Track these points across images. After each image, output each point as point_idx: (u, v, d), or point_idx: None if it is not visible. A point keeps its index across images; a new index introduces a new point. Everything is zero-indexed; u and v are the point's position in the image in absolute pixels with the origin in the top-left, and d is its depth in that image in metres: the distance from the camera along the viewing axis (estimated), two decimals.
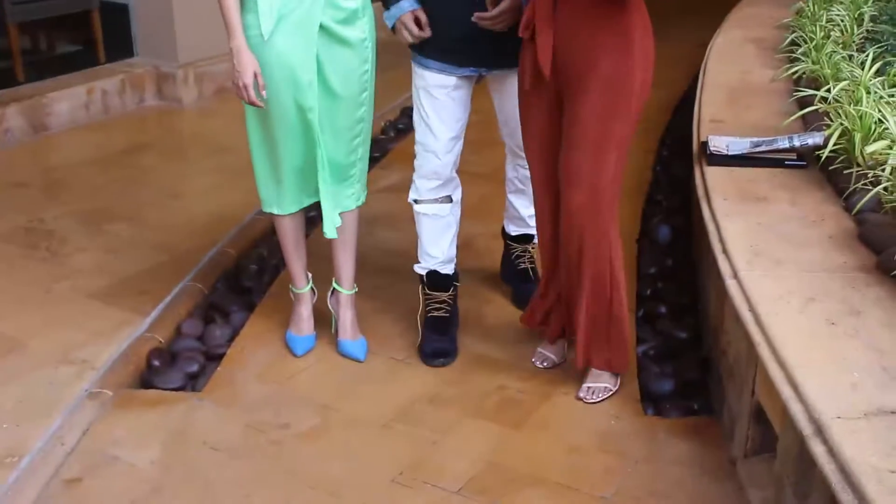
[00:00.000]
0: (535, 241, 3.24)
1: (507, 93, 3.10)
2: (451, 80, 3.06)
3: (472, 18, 2.84)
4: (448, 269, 3.31)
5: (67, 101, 5.62)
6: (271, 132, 2.98)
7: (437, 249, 3.25)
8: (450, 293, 3.33)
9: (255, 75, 2.81)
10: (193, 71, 5.96)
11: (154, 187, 4.70)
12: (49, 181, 4.86)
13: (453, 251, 3.32)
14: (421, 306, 3.33)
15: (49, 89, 5.61)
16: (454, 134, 3.13)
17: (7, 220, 4.28)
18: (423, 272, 3.31)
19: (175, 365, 3.16)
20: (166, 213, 4.38)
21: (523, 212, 3.44)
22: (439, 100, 3.08)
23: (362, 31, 2.94)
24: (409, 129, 5.21)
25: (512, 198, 3.48)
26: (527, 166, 3.03)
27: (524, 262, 3.57)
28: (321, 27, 2.84)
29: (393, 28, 3.01)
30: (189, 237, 4.09)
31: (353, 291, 3.27)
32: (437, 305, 3.30)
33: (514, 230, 3.56)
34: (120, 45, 6.16)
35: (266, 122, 2.97)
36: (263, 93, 2.84)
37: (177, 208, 4.44)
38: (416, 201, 3.23)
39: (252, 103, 2.85)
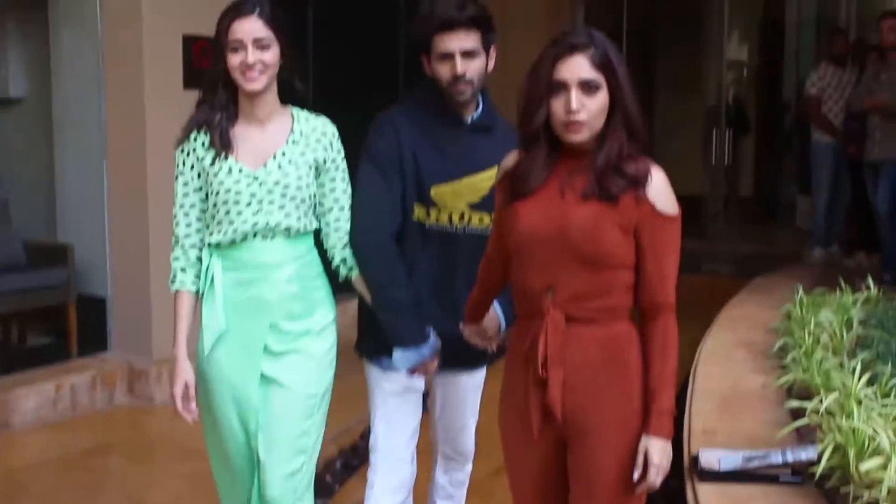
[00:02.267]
0: None
1: (452, 396, 3.22)
2: (410, 380, 3.06)
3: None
4: None
5: (34, 397, 5.63)
6: (221, 444, 2.97)
7: None
8: None
9: (186, 386, 2.83)
10: (168, 368, 6.00)
11: (116, 494, 4.65)
12: (8, 484, 4.79)
13: None
14: None
15: (16, 384, 5.65)
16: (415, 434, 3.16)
17: None
18: None
19: None
20: None
21: None
22: (400, 403, 3.10)
23: (320, 346, 2.94)
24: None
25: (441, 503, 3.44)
26: (462, 469, 3.20)
27: None
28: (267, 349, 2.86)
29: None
30: None
31: None
32: None
33: None
34: (94, 337, 6.26)
35: (215, 434, 2.97)
36: (193, 408, 2.86)
37: None
38: None
39: (180, 414, 2.85)
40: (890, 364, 3.88)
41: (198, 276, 2.89)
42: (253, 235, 2.82)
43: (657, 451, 2.41)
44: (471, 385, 3.32)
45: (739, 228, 12.00)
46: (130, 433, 5.67)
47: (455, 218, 3.01)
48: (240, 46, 2.76)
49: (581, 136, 2.40)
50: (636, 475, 2.42)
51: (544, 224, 2.43)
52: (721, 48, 13.37)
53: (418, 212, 2.98)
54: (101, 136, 6.16)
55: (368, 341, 3.15)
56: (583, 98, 2.36)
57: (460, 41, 2.87)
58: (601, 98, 2.38)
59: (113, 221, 6.21)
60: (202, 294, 2.87)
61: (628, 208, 2.39)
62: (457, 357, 3.06)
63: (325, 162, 2.93)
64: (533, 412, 2.49)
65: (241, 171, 2.81)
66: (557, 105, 2.38)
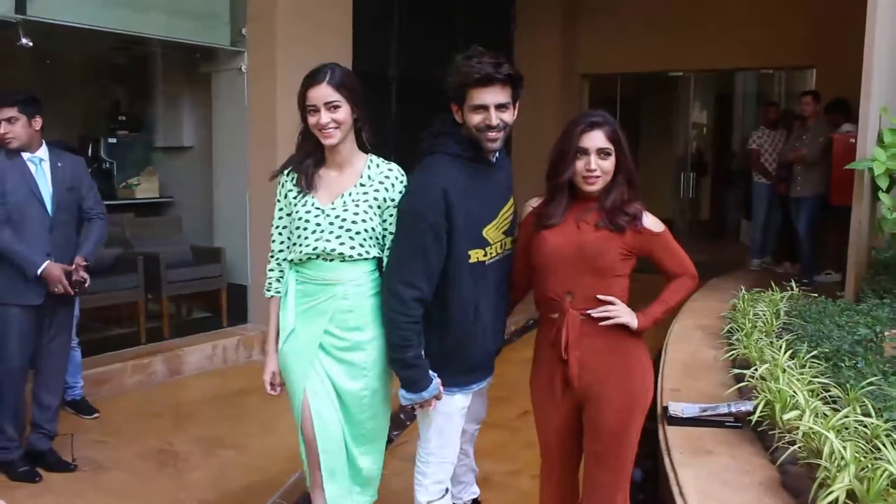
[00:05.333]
0: None
1: (480, 392, 2.76)
2: (468, 398, 2.66)
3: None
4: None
5: (197, 354, 5.75)
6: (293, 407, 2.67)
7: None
8: None
9: (273, 374, 2.68)
10: None
11: (255, 422, 4.73)
12: (179, 413, 4.92)
13: None
14: None
15: (185, 344, 5.77)
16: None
17: (144, 444, 4.33)
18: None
19: None
20: (263, 442, 4.40)
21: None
22: (457, 419, 2.64)
23: (364, 358, 2.59)
24: None
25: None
26: (477, 426, 2.86)
27: None
28: (322, 347, 2.59)
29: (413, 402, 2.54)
30: (278, 462, 4.08)
31: None
32: None
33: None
34: (238, 313, 6.34)
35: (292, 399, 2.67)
36: (278, 389, 2.69)
37: (271, 439, 4.44)
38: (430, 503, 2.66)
39: (269, 393, 2.71)
40: (806, 344, 3.86)
41: None
42: (316, 256, 2.57)
43: (626, 311, 2.47)
44: (484, 391, 2.83)
45: (699, 243, 11.89)
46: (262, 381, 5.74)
47: (498, 248, 2.59)
48: (314, 110, 2.52)
49: (595, 187, 2.45)
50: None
51: (565, 245, 2.46)
52: (688, 113, 13.33)
53: (476, 254, 2.51)
54: (244, 173, 6.25)
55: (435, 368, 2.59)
56: (598, 161, 2.42)
57: (495, 96, 2.43)
58: (611, 161, 2.44)
59: (252, 232, 6.28)
60: (284, 297, 2.66)
61: (630, 237, 2.45)
62: (489, 368, 2.72)
63: (385, 201, 2.58)
64: (557, 383, 2.53)
65: (314, 205, 2.57)
66: (580, 164, 2.43)
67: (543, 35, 9.58)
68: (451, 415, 2.61)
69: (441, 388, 2.53)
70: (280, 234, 2.71)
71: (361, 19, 6.68)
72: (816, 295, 5.21)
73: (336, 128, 2.52)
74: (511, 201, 2.65)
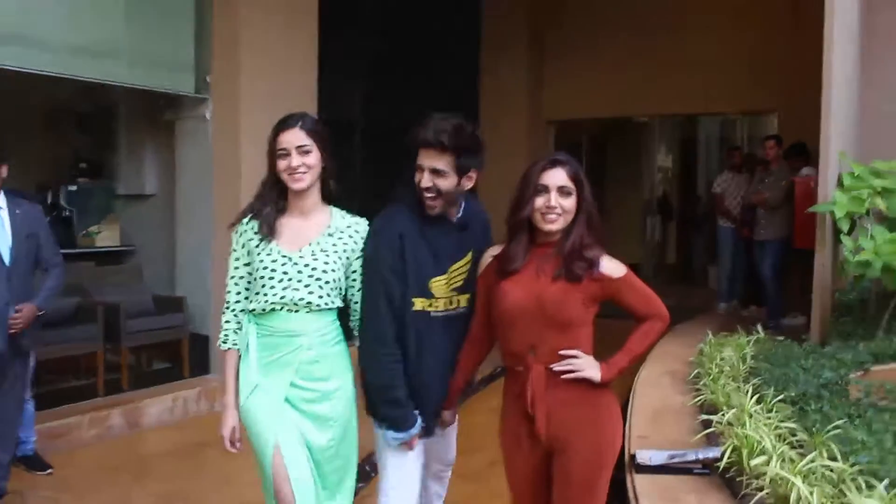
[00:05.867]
0: None
1: (442, 443, 2.82)
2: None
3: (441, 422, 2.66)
4: None
5: (157, 406, 5.65)
6: (260, 460, 2.62)
7: None
8: None
9: (233, 430, 2.62)
10: None
11: (215, 475, 4.62)
12: (137, 468, 4.80)
13: None
14: None
15: (145, 396, 5.66)
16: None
17: (100, 500, 4.21)
18: None
19: None
20: (223, 497, 4.31)
21: None
22: (411, 454, 2.68)
23: (331, 409, 2.60)
24: None
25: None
26: (448, 471, 2.88)
27: None
28: (288, 401, 2.56)
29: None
30: None
31: None
32: None
33: None
34: (200, 364, 6.25)
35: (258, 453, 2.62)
36: (238, 445, 2.64)
37: (231, 493, 4.36)
38: None
39: (228, 449, 2.65)
40: (772, 388, 3.87)
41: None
42: (281, 307, 2.55)
43: (589, 364, 2.44)
44: (449, 434, 2.88)
45: (666, 287, 11.96)
46: None
47: (447, 304, 2.64)
48: (285, 154, 2.54)
49: (555, 226, 2.44)
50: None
51: (525, 299, 2.44)
52: (653, 158, 13.55)
53: (421, 304, 2.61)
54: (208, 221, 6.19)
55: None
56: (559, 199, 2.43)
57: (431, 160, 2.53)
58: (572, 201, 2.44)
59: (215, 281, 6.13)
60: (243, 352, 2.62)
61: (589, 285, 2.43)
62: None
63: (353, 252, 2.64)
64: (524, 435, 2.51)
65: (280, 253, 2.56)
66: (540, 201, 2.44)
67: (510, 82, 9.75)
68: (404, 451, 2.66)
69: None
70: (236, 284, 2.67)
71: (327, 66, 6.72)
72: (783, 338, 5.23)
73: (306, 172, 2.55)
74: (468, 258, 2.67)
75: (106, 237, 6.88)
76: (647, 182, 13.62)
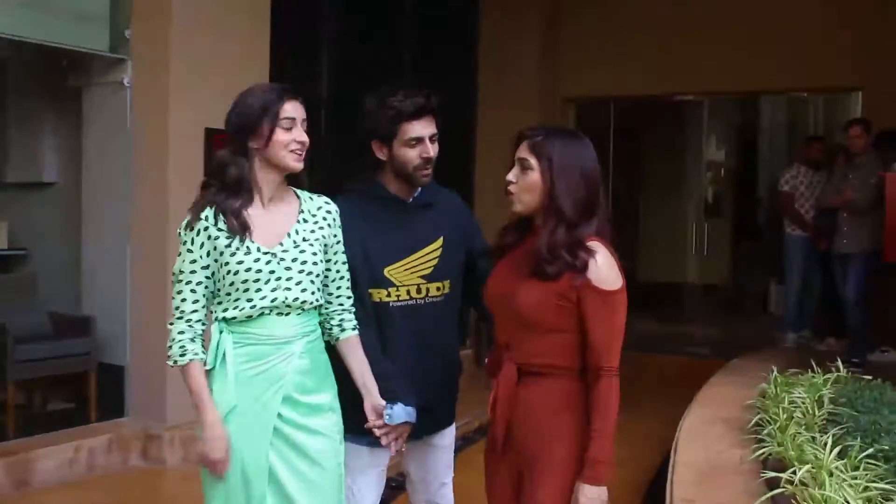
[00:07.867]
0: None
1: (428, 457, 3.24)
2: (382, 457, 3.09)
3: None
4: None
5: (54, 458, 5.56)
6: None
7: None
8: None
9: (227, 452, 2.67)
10: (180, 433, 5.93)
11: None
12: None
13: None
14: None
15: (38, 446, 5.57)
16: None
17: None
18: None
19: None
20: None
21: None
22: (371, 475, 3.10)
23: (326, 424, 2.80)
24: None
25: None
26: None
27: None
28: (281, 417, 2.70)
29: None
30: None
31: None
32: None
33: None
34: (112, 404, 6.18)
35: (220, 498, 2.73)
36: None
37: None
38: None
39: (219, 476, 2.69)
40: (859, 439, 3.85)
41: (204, 350, 2.73)
42: (270, 311, 2.70)
43: (585, 496, 2.55)
44: (442, 445, 3.30)
45: (716, 314, 11.99)
46: (142, 495, 5.58)
47: (413, 292, 3.04)
48: (293, 125, 2.72)
49: (517, 207, 2.68)
50: None
51: (501, 293, 2.70)
52: (700, 147, 13.55)
53: (377, 294, 3.00)
54: (125, 219, 6.17)
55: (345, 419, 2.94)
56: (518, 173, 2.65)
57: (428, 127, 2.99)
58: (533, 177, 2.62)
59: (133, 297, 6.17)
60: (212, 369, 2.71)
61: (566, 285, 2.56)
62: (426, 422, 3.05)
63: (332, 238, 2.87)
64: (489, 441, 2.78)
65: (259, 249, 2.69)
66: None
67: (516, 52, 9.68)
68: (361, 470, 3.03)
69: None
70: (193, 291, 2.74)
71: (283, 26, 6.70)
72: (870, 378, 5.23)
73: (304, 150, 2.78)
74: (437, 243, 3.09)
75: None
76: (693, 179, 13.65)
